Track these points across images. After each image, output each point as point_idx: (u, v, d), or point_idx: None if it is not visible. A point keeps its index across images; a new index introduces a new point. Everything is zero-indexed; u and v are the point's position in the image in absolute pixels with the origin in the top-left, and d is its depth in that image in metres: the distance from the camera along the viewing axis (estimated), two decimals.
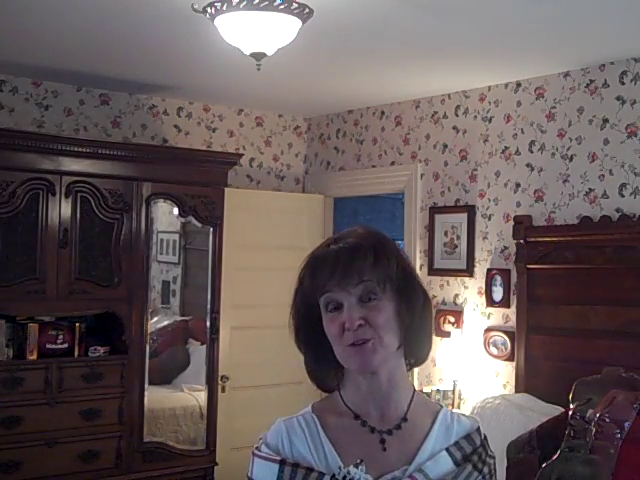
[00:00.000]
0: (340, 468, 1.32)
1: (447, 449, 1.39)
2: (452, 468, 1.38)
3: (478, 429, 1.44)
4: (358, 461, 1.32)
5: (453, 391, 4.66)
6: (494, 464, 1.44)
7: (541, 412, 3.92)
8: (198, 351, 5.33)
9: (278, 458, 1.36)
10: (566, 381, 3.81)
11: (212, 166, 4.93)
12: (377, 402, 1.40)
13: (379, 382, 1.38)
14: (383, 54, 4.21)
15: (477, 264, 4.86)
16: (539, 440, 3.53)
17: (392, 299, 1.36)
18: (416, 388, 1.50)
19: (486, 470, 1.41)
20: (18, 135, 4.36)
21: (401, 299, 1.37)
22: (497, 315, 4.71)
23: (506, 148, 4.74)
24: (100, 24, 3.79)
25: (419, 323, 1.40)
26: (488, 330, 4.71)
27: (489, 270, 4.74)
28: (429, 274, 5.08)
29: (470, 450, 1.41)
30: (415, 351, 1.43)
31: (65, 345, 4.46)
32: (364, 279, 1.34)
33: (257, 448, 1.40)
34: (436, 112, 5.18)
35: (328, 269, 1.34)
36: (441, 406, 1.49)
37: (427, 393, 4.55)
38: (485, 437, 1.45)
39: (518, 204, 4.64)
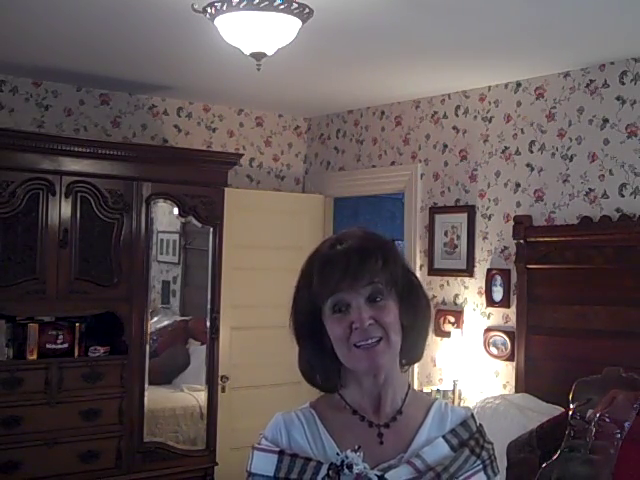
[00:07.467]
0: (338, 453, 1.33)
1: (443, 436, 1.42)
2: (449, 453, 1.40)
3: (472, 416, 1.47)
4: (356, 447, 1.33)
5: (453, 391, 4.65)
6: (493, 450, 1.45)
7: (541, 412, 3.92)
8: (198, 351, 5.33)
9: (277, 449, 1.38)
10: (566, 381, 3.81)
11: (212, 166, 4.93)
12: (374, 399, 1.42)
13: (377, 381, 1.41)
14: (383, 54, 4.21)
15: (477, 264, 4.85)
16: (539, 440, 3.53)
17: (396, 301, 1.39)
18: (416, 388, 1.52)
19: (485, 455, 1.42)
20: (18, 135, 4.36)
21: (403, 301, 1.40)
22: (497, 315, 4.71)
23: (506, 148, 4.74)
24: (100, 24, 3.79)
25: (420, 325, 1.44)
26: (488, 330, 4.71)
27: (489, 270, 4.74)
28: (429, 274, 5.07)
29: (467, 436, 1.43)
30: (410, 352, 1.46)
31: (65, 345, 4.46)
32: (374, 280, 1.36)
33: (257, 443, 1.43)
34: (436, 112, 5.18)
35: (340, 270, 1.36)
36: (435, 399, 1.53)
37: (427, 393, 4.54)
38: (481, 425, 1.47)
39: (518, 204, 4.64)
